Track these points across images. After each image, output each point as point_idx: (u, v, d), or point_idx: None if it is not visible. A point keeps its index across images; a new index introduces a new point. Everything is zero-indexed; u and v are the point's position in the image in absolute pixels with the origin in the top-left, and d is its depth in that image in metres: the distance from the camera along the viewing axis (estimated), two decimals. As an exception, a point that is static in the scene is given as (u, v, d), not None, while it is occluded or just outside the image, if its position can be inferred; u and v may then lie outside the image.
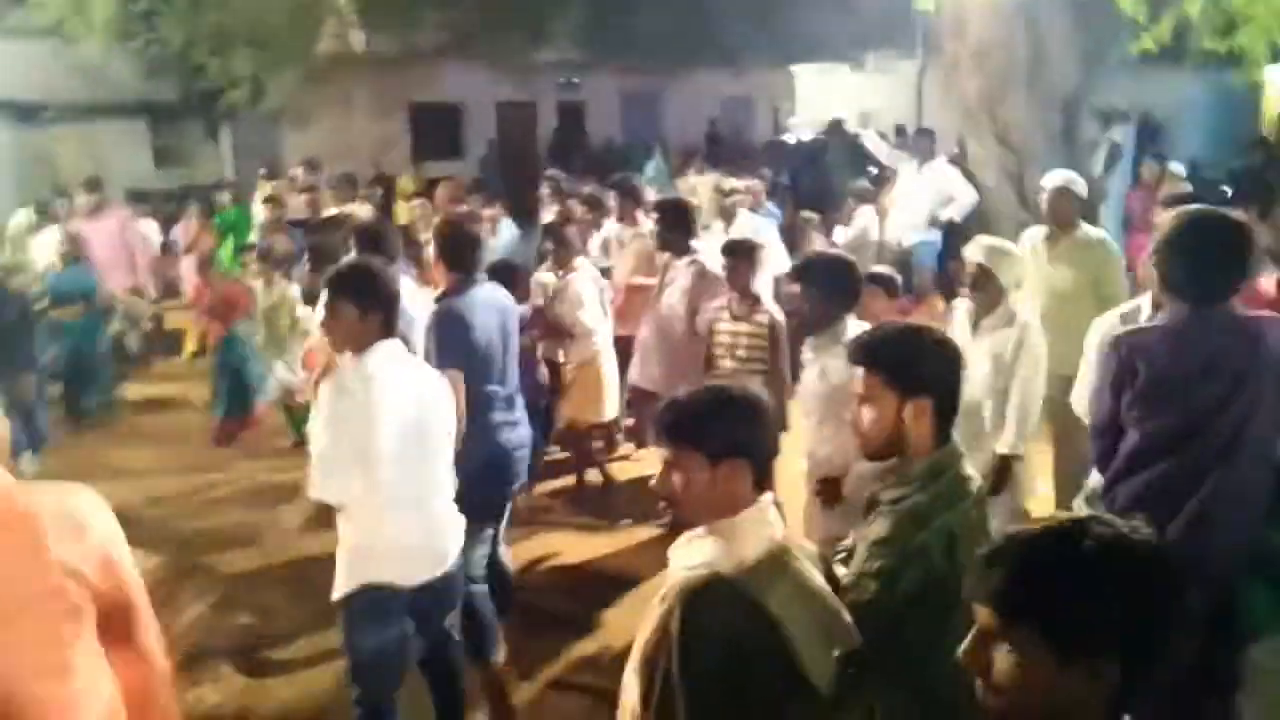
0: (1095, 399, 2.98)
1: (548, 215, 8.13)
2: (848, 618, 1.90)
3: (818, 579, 1.90)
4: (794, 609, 1.78)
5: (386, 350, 2.96)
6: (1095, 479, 3.09)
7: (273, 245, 6.61)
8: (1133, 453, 2.80)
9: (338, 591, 2.98)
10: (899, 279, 4.66)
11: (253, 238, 8.32)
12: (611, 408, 5.77)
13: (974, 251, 4.14)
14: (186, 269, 9.03)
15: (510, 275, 5.42)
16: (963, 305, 4.23)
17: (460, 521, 3.22)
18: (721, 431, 1.86)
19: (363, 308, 2.94)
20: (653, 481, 1.92)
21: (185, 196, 10.25)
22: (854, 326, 3.59)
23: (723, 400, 1.89)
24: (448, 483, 3.19)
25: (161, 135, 13.83)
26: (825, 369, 3.55)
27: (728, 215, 7.01)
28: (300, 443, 5.29)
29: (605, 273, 6.24)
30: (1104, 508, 2.89)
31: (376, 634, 3.00)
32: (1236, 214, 2.79)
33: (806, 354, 3.75)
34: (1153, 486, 2.74)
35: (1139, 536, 1.29)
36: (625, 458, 6.40)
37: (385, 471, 2.89)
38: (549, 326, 5.53)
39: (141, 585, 1.66)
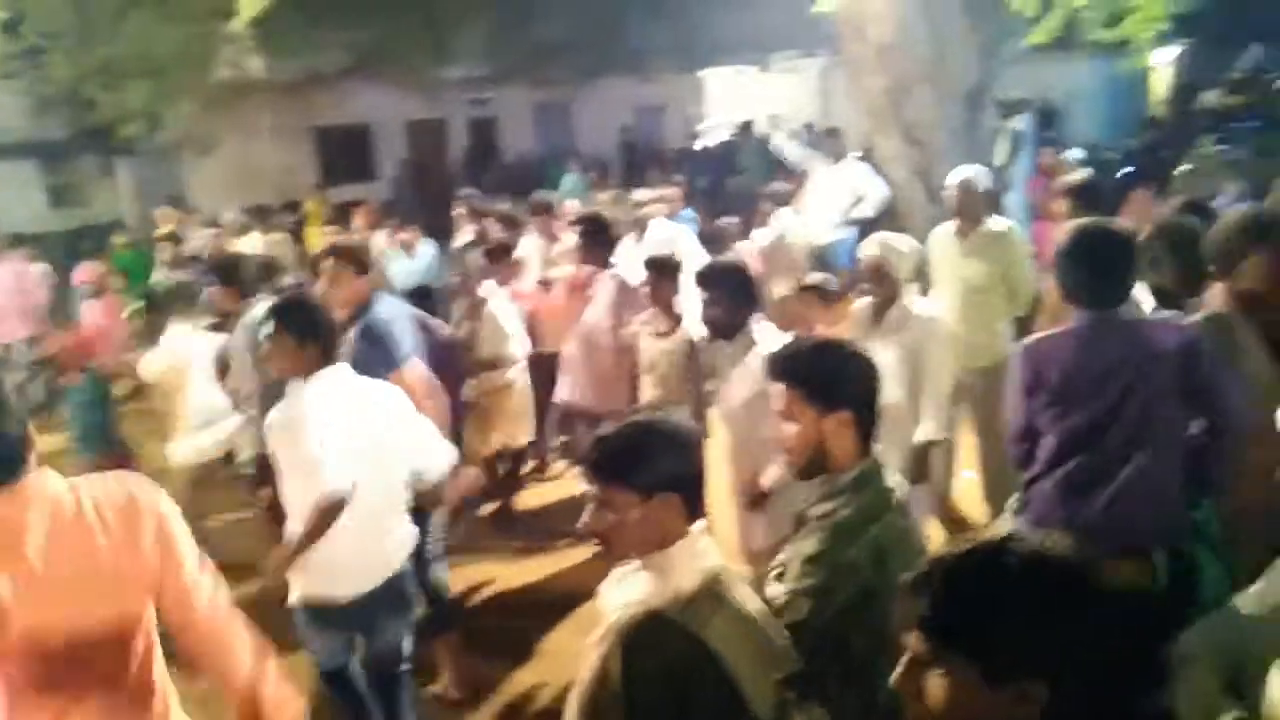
0: (1011, 405, 3.08)
1: (464, 235, 8.05)
2: (786, 641, 1.88)
3: (754, 604, 1.88)
4: (733, 639, 1.76)
5: (328, 377, 3.11)
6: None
7: (155, 288, 6.24)
8: (1049, 452, 2.91)
9: (290, 600, 3.18)
10: (835, 286, 4.70)
11: (157, 276, 8.04)
12: (529, 431, 5.70)
13: (869, 247, 4.24)
14: (90, 312, 8.67)
15: (428, 300, 5.44)
16: (863, 301, 4.30)
17: (410, 532, 3.35)
18: (651, 467, 1.81)
19: (300, 338, 3.08)
20: (583, 520, 1.88)
21: (81, 237, 9.89)
22: (764, 330, 3.65)
23: (651, 434, 1.84)
24: (399, 496, 3.29)
25: (54, 174, 13.33)
26: (743, 374, 3.55)
27: (640, 227, 7.00)
28: None
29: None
30: (1024, 508, 3.00)
31: (322, 642, 3.27)
32: (1124, 222, 2.95)
33: (723, 360, 3.75)
34: (1070, 480, 2.86)
35: (1058, 552, 1.30)
36: (557, 477, 6.35)
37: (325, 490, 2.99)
38: (469, 359, 5.45)
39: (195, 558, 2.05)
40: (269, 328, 3.15)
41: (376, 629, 3.28)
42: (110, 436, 6.43)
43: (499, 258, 6.05)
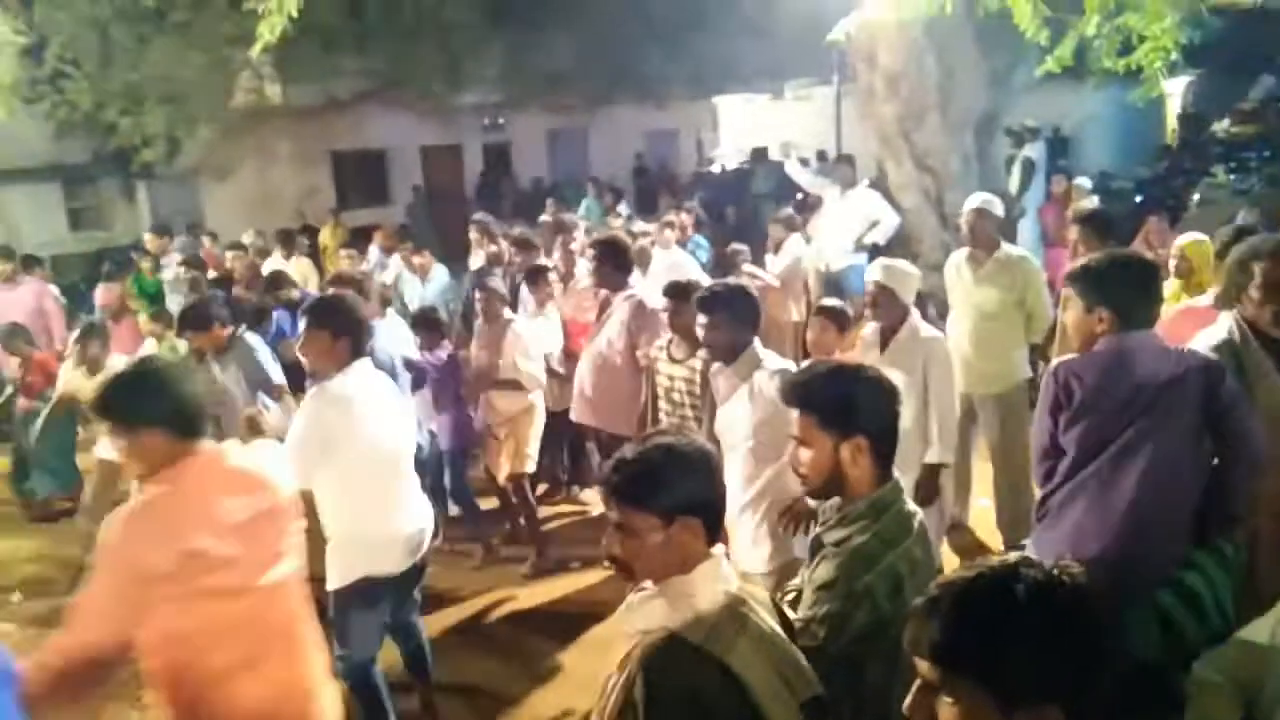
0: (1036, 424, 3.11)
1: (478, 259, 8.12)
2: (807, 665, 1.88)
3: (775, 628, 1.88)
4: (756, 663, 1.76)
5: (359, 369, 3.42)
6: None
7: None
8: (1067, 467, 2.95)
9: (333, 584, 3.40)
10: (849, 311, 4.72)
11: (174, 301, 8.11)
12: (534, 460, 5.68)
13: (874, 272, 4.25)
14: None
15: (434, 323, 5.65)
16: (871, 326, 4.32)
17: (429, 511, 3.74)
18: (672, 490, 1.80)
19: (334, 334, 3.38)
20: (603, 543, 1.88)
21: (101, 259, 9.98)
22: (763, 354, 3.63)
23: (671, 457, 1.83)
24: (414, 478, 3.71)
25: (75, 197, 13.47)
26: (754, 397, 3.55)
27: (643, 259, 7.02)
28: None
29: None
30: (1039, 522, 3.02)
31: (366, 619, 3.48)
32: (1139, 248, 3.02)
33: (722, 385, 3.71)
34: (1079, 498, 2.90)
35: (1070, 579, 1.30)
36: (570, 499, 6.36)
37: (364, 473, 3.36)
38: (487, 378, 5.47)
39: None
40: (304, 325, 3.47)
41: (410, 597, 3.77)
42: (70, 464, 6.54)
43: (537, 279, 6.10)
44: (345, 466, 3.32)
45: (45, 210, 13.04)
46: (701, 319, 3.65)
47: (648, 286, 5.60)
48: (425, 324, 5.63)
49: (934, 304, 6.37)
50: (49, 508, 6.66)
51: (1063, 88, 10.16)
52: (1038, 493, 3.17)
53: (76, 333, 5.65)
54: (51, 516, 6.62)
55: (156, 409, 2.34)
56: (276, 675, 2.43)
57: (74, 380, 5.54)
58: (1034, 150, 10.01)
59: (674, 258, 7.05)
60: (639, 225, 8.02)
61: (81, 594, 2.27)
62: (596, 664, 4.40)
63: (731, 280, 3.97)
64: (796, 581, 2.29)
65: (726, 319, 3.60)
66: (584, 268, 6.80)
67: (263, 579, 2.42)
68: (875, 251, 7.81)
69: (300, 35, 7.89)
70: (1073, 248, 4.98)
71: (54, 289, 8.52)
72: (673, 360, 4.53)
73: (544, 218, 9.07)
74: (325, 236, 11.88)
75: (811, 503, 3.36)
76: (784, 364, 3.61)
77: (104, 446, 5.40)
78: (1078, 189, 9.39)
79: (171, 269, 8.65)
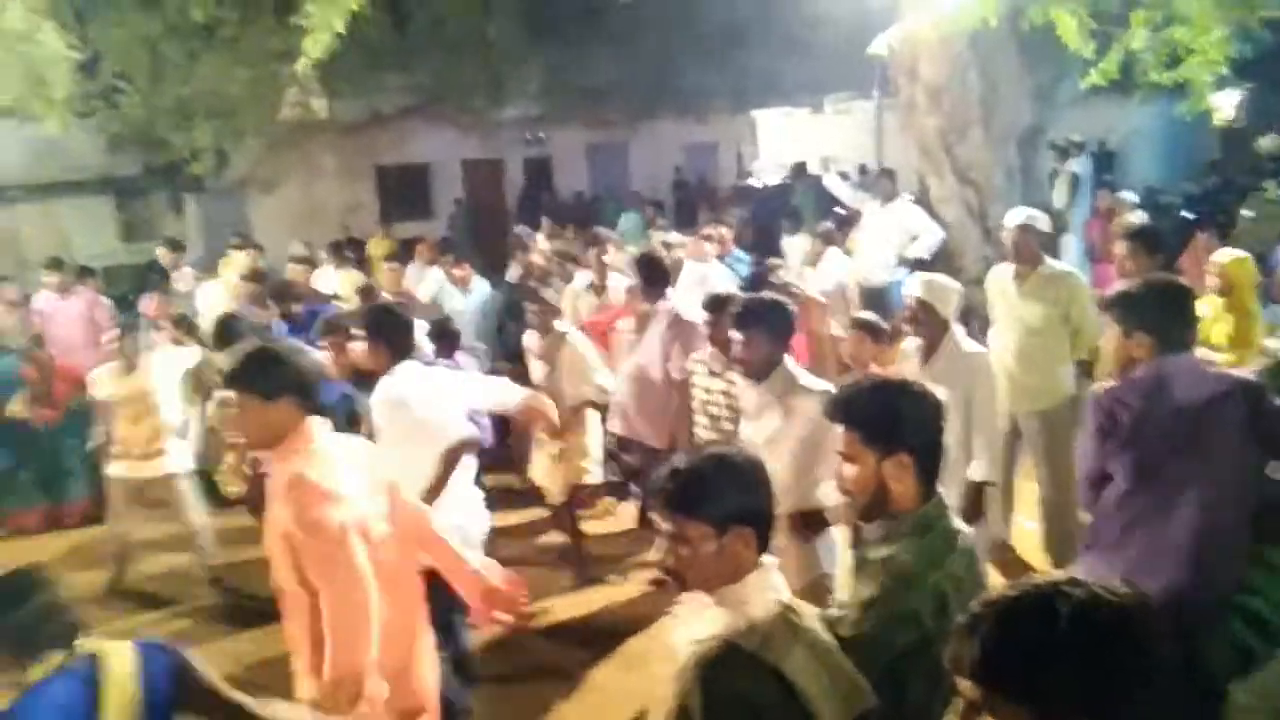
0: (1082, 448, 3.12)
1: (515, 271, 8.18)
2: (861, 678, 1.86)
3: (829, 639, 1.88)
4: (810, 672, 1.76)
5: (405, 368, 3.88)
6: None
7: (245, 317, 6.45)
8: (1117, 493, 2.94)
9: None
10: (886, 325, 4.68)
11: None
12: (596, 471, 5.67)
13: (913, 287, 4.21)
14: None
15: (451, 334, 5.93)
16: (912, 341, 4.28)
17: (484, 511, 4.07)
18: (725, 500, 1.82)
19: (388, 342, 3.89)
20: (654, 553, 1.90)
21: (150, 270, 10.16)
22: (796, 371, 3.60)
23: (724, 468, 1.86)
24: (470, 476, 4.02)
25: (126, 210, 13.76)
26: (791, 416, 3.51)
27: (674, 271, 7.01)
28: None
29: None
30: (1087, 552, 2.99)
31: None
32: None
33: (753, 399, 3.67)
34: (1136, 530, 2.88)
35: (1114, 599, 1.28)
36: (608, 512, 6.36)
37: (424, 468, 3.68)
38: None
39: None
40: (360, 333, 4.00)
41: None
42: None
43: (600, 293, 6.16)
44: (406, 461, 3.47)
45: (97, 222, 13.33)
46: (735, 334, 3.58)
47: (676, 298, 5.63)
48: (441, 334, 5.78)
49: (976, 319, 6.31)
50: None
51: (1108, 101, 10.05)
52: (1083, 515, 3.15)
53: (116, 331, 5.80)
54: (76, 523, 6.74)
55: (289, 380, 2.62)
56: (388, 618, 2.66)
57: (107, 377, 5.65)
58: (1079, 165, 9.89)
59: (704, 270, 7.06)
60: (674, 237, 8.02)
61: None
62: (630, 678, 4.43)
63: (766, 295, 3.92)
64: (841, 598, 2.27)
65: (761, 335, 3.54)
66: (616, 280, 6.83)
67: (376, 531, 2.73)
68: (917, 266, 7.76)
69: (346, 51, 8.05)
70: (1120, 264, 4.90)
71: (106, 300, 8.70)
72: (712, 374, 4.52)
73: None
74: (372, 249, 12.04)
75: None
76: (819, 382, 3.58)
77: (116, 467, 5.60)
78: (1123, 204, 9.26)
79: (185, 282, 8.77)
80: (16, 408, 6.67)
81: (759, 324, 3.55)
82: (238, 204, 14.29)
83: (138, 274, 10.94)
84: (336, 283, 8.46)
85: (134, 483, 5.57)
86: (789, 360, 3.62)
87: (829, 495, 3.30)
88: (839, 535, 3.52)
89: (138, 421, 5.49)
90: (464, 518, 3.79)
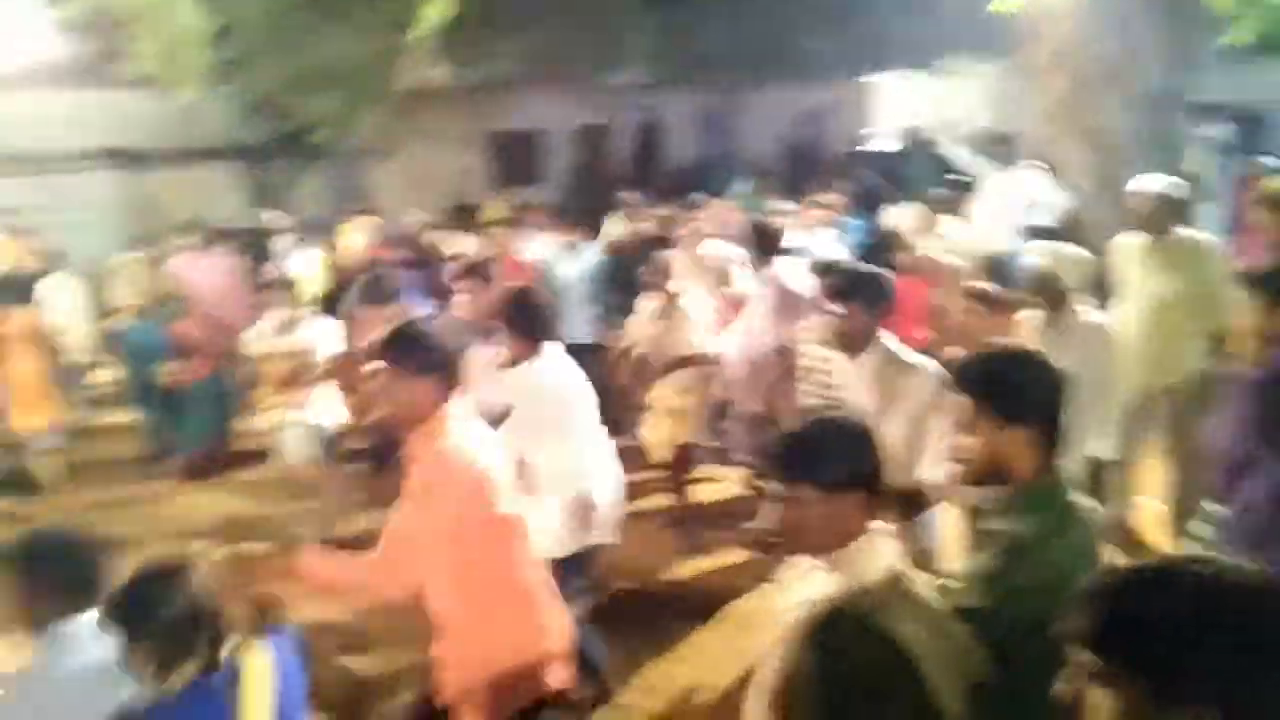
0: (1221, 430, 3.00)
1: (615, 235, 8.24)
2: (976, 648, 1.85)
3: (942, 608, 1.87)
4: (923, 640, 1.75)
5: (548, 352, 3.85)
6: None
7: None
8: (1271, 489, 2.78)
9: (562, 551, 3.67)
10: (1001, 294, 4.56)
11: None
12: (699, 432, 5.74)
13: (1035, 256, 4.08)
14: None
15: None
16: (1033, 314, 4.15)
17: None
18: (838, 464, 1.85)
19: (529, 330, 3.84)
20: (762, 517, 1.92)
21: (259, 235, 10.58)
22: (895, 346, 3.50)
23: (840, 432, 1.88)
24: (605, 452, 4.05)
25: (255, 175, 14.34)
26: (899, 388, 3.43)
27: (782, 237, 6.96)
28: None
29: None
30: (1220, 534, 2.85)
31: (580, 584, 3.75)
32: None
33: (849, 371, 3.56)
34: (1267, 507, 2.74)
35: (1243, 577, 1.25)
36: (710, 479, 6.39)
37: (576, 444, 3.77)
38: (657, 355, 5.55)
39: None
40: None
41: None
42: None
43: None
44: (539, 449, 3.60)
45: (227, 188, 13.94)
46: (834, 305, 3.50)
47: (781, 266, 5.60)
48: None
49: (1103, 290, 6.07)
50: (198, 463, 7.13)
51: (1253, 61, 9.43)
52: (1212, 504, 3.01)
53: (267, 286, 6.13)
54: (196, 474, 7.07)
55: (437, 360, 2.68)
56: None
57: (259, 336, 5.97)
58: (1220, 130, 9.35)
59: (808, 238, 6.98)
60: (783, 204, 7.93)
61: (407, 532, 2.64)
62: (730, 641, 4.47)
63: (868, 266, 3.83)
64: (955, 570, 2.25)
65: (860, 307, 3.45)
66: (710, 246, 6.77)
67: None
68: (1040, 235, 7.50)
69: (462, 18, 8.21)
70: (1262, 233, 4.64)
71: (238, 261, 9.10)
72: (822, 342, 4.48)
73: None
74: (487, 213, 12.28)
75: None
76: (917, 358, 3.49)
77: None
78: (1265, 170, 8.73)
79: (286, 245, 9.10)
80: (171, 370, 7.01)
81: (856, 296, 3.47)
82: (355, 170, 14.73)
83: (259, 238, 11.43)
84: (457, 247, 8.67)
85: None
86: (886, 335, 3.54)
87: (931, 472, 3.25)
88: (942, 509, 3.47)
89: (284, 379, 5.77)
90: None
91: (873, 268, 3.77)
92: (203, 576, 2.06)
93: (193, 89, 11.08)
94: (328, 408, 5.83)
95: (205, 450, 7.21)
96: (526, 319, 3.83)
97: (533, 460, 3.57)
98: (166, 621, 1.99)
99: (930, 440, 3.23)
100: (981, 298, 4.47)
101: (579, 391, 3.88)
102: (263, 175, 14.23)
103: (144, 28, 10.92)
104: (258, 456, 6.86)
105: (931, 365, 3.42)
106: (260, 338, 6.00)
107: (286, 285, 6.59)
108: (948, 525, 3.51)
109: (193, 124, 12.81)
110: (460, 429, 2.71)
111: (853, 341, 3.51)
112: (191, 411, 7.16)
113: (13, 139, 11.68)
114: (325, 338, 5.90)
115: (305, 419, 5.77)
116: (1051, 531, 1.99)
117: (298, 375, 5.73)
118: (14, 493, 6.69)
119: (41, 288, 7.68)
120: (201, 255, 8.58)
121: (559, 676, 2.87)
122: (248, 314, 6.97)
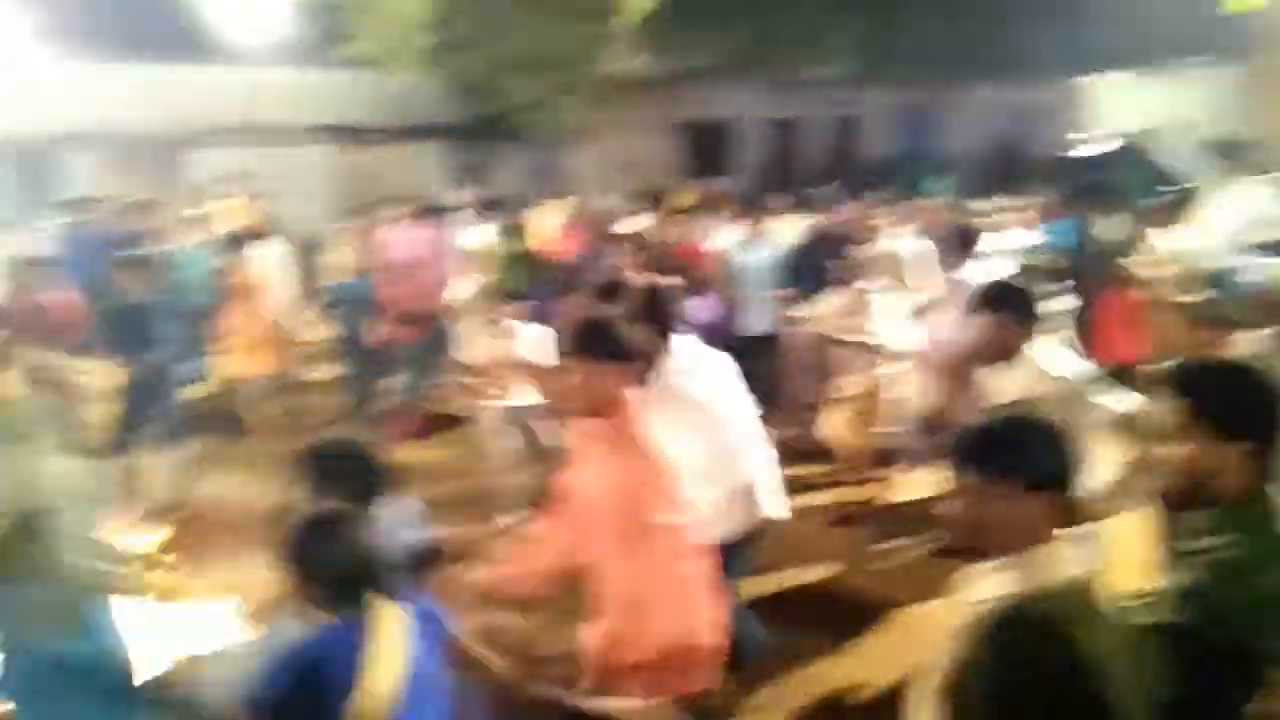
0: None
1: (802, 229, 8.18)
2: (1163, 666, 1.79)
3: (1128, 622, 1.82)
4: (1106, 650, 1.70)
5: (680, 344, 3.63)
6: None
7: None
8: None
9: (728, 537, 3.54)
10: (1214, 310, 4.27)
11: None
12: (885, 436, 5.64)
13: (1263, 271, 3.79)
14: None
15: None
16: (1253, 335, 3.85)
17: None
18: (1033, 461, 1.81)
19: (649, 326, 3.53)
20: (944, 507, 1.89)
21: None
22: (1039, 356, 3.39)
23: (1037, 430, 1.84)
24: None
25: (461, 155, 15.07)
26: (1044, 400, 3.31)
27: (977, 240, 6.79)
28: None
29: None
30: None
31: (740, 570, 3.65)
32: None
33: (995, 383, 3.46)
34: None
35: None
36: (888, 479, 6.25)
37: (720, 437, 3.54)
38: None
39: None
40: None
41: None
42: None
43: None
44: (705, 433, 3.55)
45: (434, 166, 14.72)
46: (982, 316, 3.43)
47: (969, 270, 5.45)
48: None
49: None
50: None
51: None
52: None
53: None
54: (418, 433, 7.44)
55: (623, 349, 2.79)
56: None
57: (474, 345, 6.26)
58: None
59: (1002, 241, 6.76)
60: (983, 205, 7.67)
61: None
62: (896, 641, 4.36)
63: (1011, 279, 3.73)
64: (1156, 586, 2.15)
65: (1013, 318, 3.39)
66: (902, 244, 6.63)
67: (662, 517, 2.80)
68: (1267, 251, 6.93)
69: (664, 8, 8.33)
70: None
71: (441, 234, 9.58)
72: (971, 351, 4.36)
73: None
74: (675, 201, 12.41)
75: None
76: (1067, 370, 3.36)
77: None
78: None
79: (465, 222, 9.44)
80: (377, 331, 7.50)
81: (1009, 306, 3.42)
82: (553, 154, 15.23)
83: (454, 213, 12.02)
84: (634, 228, 8.83)
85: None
86: (1032, 347, 3.43)
87: (1084, 486, 3.11)
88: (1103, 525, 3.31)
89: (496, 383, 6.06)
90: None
91: (1018, 281, 3.72)
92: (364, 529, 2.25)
93: (409, 71, 11.73)
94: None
95: (402, 410, 7.65)
96: (652, 315, 3.68)
97: (678, 455, 3.56)
98: (330, 565, 2.17)
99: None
100: (1196, 313, 4.19)
101: (714, 383, 3.72)
102: (467, 155, 14.91)
103: (367, 12, 11.68)
104: (452, 421, 7.25)
105: (1080, 376, 3.32)
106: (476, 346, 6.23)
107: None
108: (1115, 541, 3.35)
109: (405, 104, 13.62)
110: (645, 416, 2.78)
111: (994, 352, 3.45)
112: (393, 371, 7.63)
113: (250, 111, 12.74)
114: (536, 348, 6.07)
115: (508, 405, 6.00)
116: (1266, 556, 1.89)
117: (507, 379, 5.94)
118: (224, 433, 7.30)
119: (266, 249, 8.34)
120: (409, 227, 9.07)
121: (705, 677, 2.90)
122: (446, 283, 7.32)
